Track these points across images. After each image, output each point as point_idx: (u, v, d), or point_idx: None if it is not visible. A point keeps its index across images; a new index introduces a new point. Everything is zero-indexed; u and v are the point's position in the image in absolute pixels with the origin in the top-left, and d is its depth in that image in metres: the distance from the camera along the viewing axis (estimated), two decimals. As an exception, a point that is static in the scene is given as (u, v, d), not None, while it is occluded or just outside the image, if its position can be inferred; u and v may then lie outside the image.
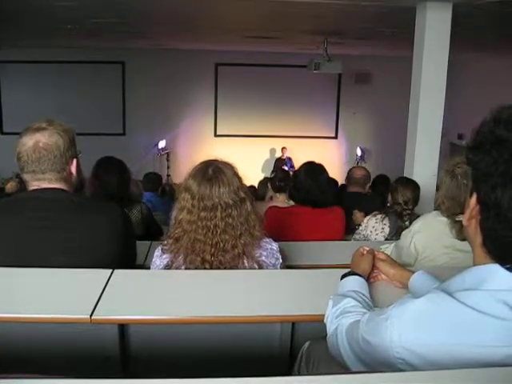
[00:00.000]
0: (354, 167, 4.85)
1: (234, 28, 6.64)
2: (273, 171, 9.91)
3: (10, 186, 5.43)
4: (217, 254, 1.74)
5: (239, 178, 1.79)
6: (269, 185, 4.05)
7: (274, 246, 1.86)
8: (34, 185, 1.74)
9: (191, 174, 1.78)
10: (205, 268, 1.74)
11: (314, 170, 2.97)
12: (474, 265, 0.99)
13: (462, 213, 0.95)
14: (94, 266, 1.68)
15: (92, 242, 1.71)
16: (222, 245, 1.73)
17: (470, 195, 0.97)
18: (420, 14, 4.20)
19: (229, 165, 1.81)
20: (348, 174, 4.39)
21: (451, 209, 2.17)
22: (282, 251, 1.90)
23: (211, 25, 6.45)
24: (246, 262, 1.77)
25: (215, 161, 1.81)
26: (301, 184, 2.93)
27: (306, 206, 2.91)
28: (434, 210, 2.38)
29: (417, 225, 2.35)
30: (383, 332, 0.98)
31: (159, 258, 1.82)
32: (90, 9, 5.13)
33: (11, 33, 6.90)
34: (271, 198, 3.94)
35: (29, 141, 1.69)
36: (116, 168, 3.02)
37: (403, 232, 2.46)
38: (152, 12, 5.49)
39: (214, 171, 1.75)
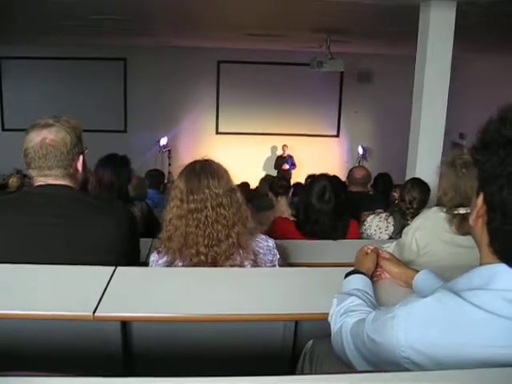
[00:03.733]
0: (354, 168, 4.83)
1: (236, 25, 6.64)
2: (275, 172, 9.92)
3: (12, 182, 5.42)
4: (211, 244, 1.73)
5: (228, 174, 1.79)
6: (270, 193, 4.06)
7: (270, 242, 1.85)
8: (40, 180, 1.73)
9: (179, 174, 1.80)
10: (200, 260, 1.73)
11: (325, 191, 2.63)
12: (481, 264, 0.98)
13: (464, 204, 0.95)
14: (97, 264, 1.67)
15: (96, 240, 1.70)
16: (215, 235, 1.71)
17: (477, 195, 0.97)
18: (424, 13, 4.19)
19: (216, 162, 1.81)
20: (348, 174, 4.38)
21: (453, 200, 2.16)
22: (278, 247, 1.89)
23: (214, 22, 6.45)
24: (241, 252, 1.76)
25: (201, 159, 1.82)
26: (312, 211, 2.65)
27: (314, 238, 2.67)
28: (435, 204, 2.38)
29: (418, 221, 2.34)
30: (389, 331, 0.98)
31: (155, 263, 1.81)
32: (92, 5, 5.12)
33: (13, 29, 6.90)
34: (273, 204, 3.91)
35: (36, 137, 1.68)
36: (113, 165, 3.00)
37: (404, 229, 2.46)
38: (154, 9, 5.48)
39: (202, 166, 1.76)
